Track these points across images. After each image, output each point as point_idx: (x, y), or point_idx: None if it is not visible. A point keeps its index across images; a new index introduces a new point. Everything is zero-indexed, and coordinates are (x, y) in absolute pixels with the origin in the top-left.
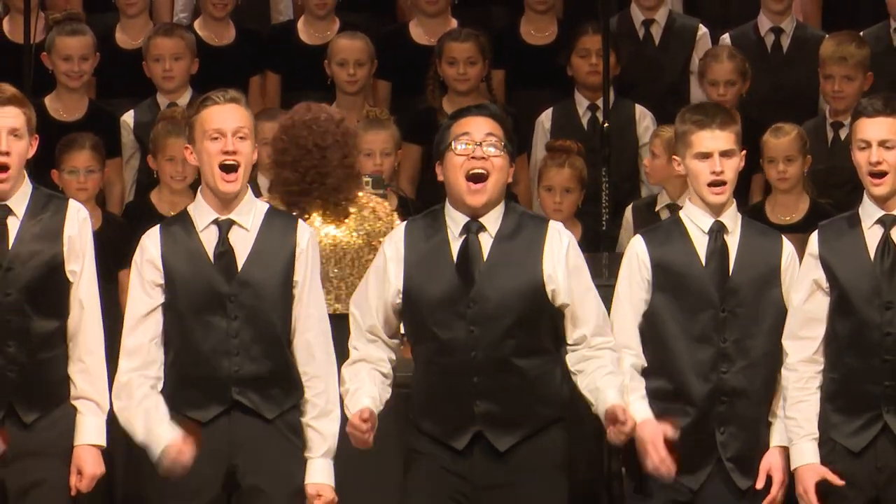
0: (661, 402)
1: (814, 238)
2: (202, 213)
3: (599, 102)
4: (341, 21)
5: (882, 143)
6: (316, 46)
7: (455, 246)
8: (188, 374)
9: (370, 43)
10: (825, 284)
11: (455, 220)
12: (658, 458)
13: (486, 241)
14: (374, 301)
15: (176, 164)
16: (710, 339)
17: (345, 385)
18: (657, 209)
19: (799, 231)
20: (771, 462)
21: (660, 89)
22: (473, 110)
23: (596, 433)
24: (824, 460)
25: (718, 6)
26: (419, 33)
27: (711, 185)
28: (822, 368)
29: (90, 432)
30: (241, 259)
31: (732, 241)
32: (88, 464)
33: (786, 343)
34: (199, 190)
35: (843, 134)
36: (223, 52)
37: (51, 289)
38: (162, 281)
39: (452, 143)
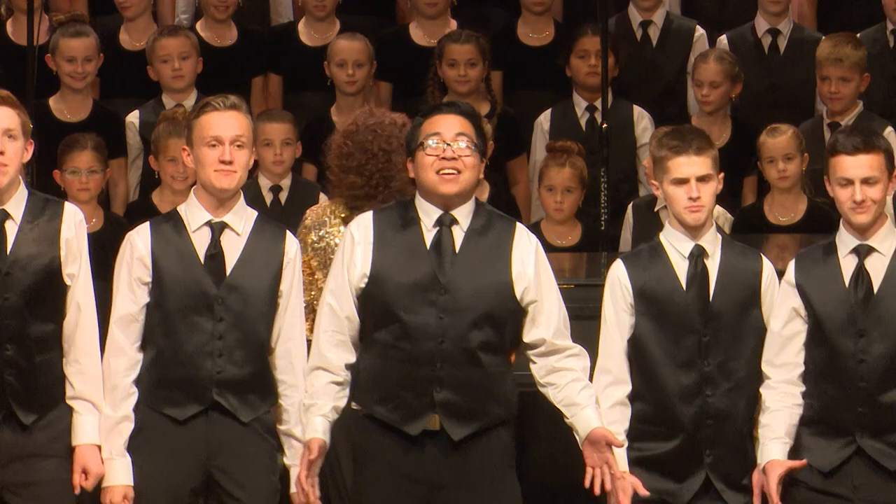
0: (648, 425)
1: (791, 267)
2: (195, 214)
3: (598, 103)
4: (341, 23)
5: (864, 181)
6: (316, 48)
7: (429, 236)
8: (170, 372)
9: (369, 44)
10: (803, 312)
11: (428, 213)
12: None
13: (458, 234)
14: (348, 286)
15: (177, 164)
16: (694, 363)
17: (306, 395)
18: (656, 209)
19: (797, 231)
20: (763, 479)
21: (657, 90)
22: (444, 108)
23: None
24: (799, 478)
25: (715, 8)
26: (419, 35)
27: (688, 207)
28: (801, 391)
29: (90, 432)
30: (230, 263)
31: (712, 265)
32: (93, 463)
33: (766, 369)
34: (192, 190)
35: None
36: (225, 53)
37: (49, 292)
38: (149, 279)
39: (423, 142)
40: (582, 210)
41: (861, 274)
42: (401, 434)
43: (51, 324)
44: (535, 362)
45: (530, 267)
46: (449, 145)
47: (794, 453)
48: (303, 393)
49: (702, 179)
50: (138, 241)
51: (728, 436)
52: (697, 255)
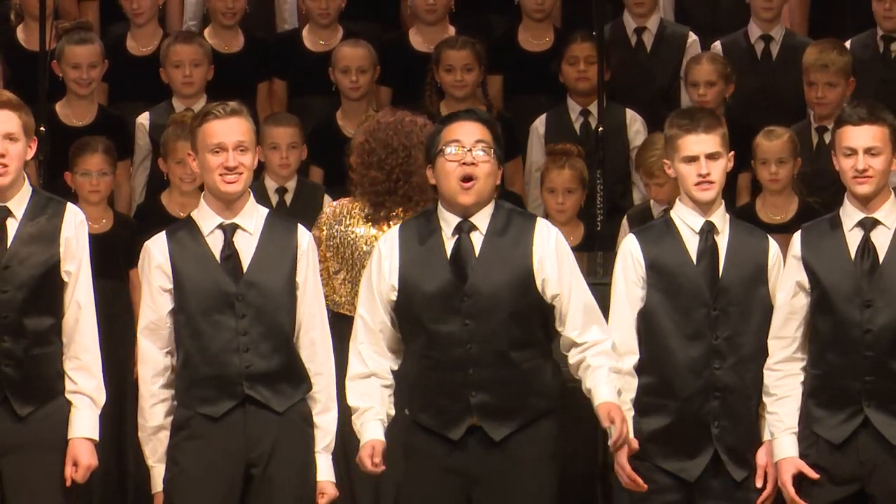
0: (655, 397)
1: (796, 240)
2: (206, 219)
3: (591, 107)
4: (344, 29)
5: (868, 151)
6: (320, 53)
7: (449, 245)
8: (200, 372)
9: (372, 50)
10: (807, 285)
11: (448, 222)
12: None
13: (477, 239)
14: (378, 298)
15: (185, 166)
16: (703, 336)
17: (355, 401)
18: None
19: (789, 231)
20: (768, 458)
21: (651, 95)
22: (462, 115)
23: (592, 426)
24: (807, 453)
25: (708, 14)
26: (418, 41)
27: (699, 183)
28: (803, 365)
29: (84, 426)
30: (245, 261)
31: (722, 241)
32: (84, 456)
33: (769, 342)
34: (202, 196)
35: (827, 138)
36: (232, 59)
37: (46, 288)
38: (170, 286)
39: (443, 149)
40: (579, 210)
41: (867, 246)
42: (443, 437)
43: (49, 319)
44: (568, 357)
45: (551, 259)
46: (469, 151)
47: (803, 423)
48: (330, 379)
49: (711, 157)
50: (154, 251)
51: (734, 409)
52: (708, 231)
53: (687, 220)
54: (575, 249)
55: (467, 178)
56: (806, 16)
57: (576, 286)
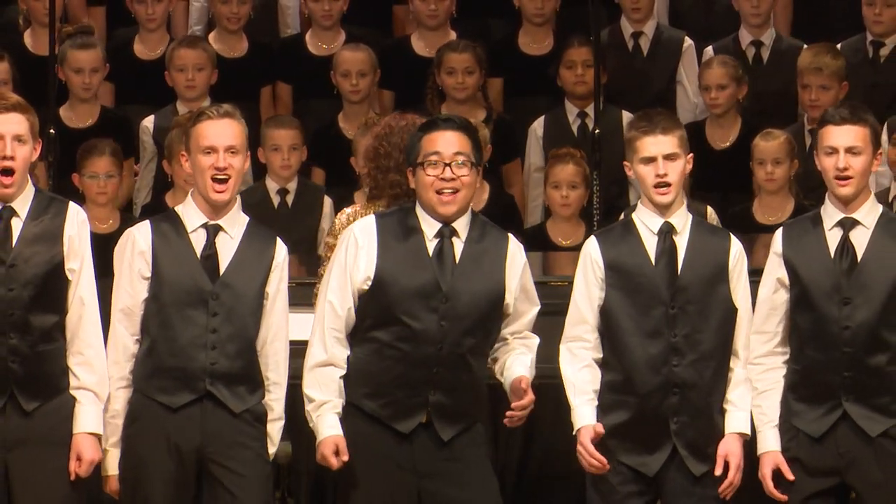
0: (616, 394)
1: (777, 237)
2: (191, 216)
3: (588, 110)
4: (346, 33)
5: (849, 150)
6: (323, 57)
7: (430, 245)
8: (164, 362)
9: (372, 54)
10: (787, 282)
11: (429, 224)
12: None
13: (457, 245)
14: (349, 286)
15: None
16: (662, 334)
17: (312, 391)
18: None
19: None
20: (728, 448)
21: (648, 98)
22: (441, 124)
23: None
24: (787, 447)
25: (702, 20)
26: (420, 45)
27: (657, 186)
28: (784, 360)
29: (88, 421)
30: (224, 262)
31: (681, 241)
32: (87, 450)
33: (752, 337)
34: (190, 193)
35: None
36: (236, 63)
37: (51, 286)
38: (149, 273)
39: (423, 161)
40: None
41: (846, 245)
42: (389, 427)
43: (53, 316)
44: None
45: (516, 281)
46: (448, 165)
47: (783, 417)
48: (284, 391)
49: (669, 157)
50: (139, 238)
51: (693, 405)
52: (666, 232)
53: (646, 222)
54: (576, 249)
55: (446, 193)
56: (790, 18)
57: (528, 312)
